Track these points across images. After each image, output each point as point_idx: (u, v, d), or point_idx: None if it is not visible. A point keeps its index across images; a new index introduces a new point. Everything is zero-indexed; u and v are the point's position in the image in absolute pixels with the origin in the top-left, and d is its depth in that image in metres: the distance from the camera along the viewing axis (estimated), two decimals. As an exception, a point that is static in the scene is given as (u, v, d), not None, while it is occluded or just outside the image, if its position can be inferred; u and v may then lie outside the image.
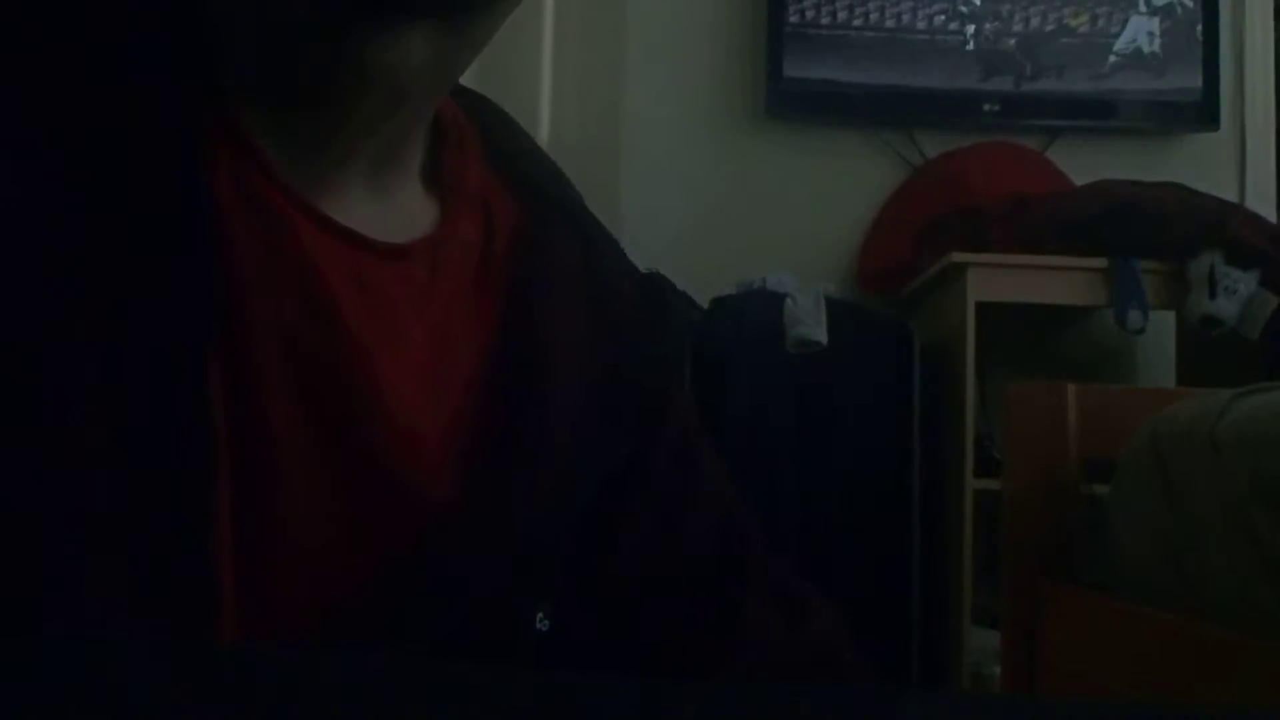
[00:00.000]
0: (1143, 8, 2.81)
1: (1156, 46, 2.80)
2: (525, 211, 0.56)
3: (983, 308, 2.29)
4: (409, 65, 0.46)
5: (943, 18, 2.80)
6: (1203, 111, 2.80)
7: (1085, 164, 2.75)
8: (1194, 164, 2.79)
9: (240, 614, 0.43)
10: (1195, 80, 2.80)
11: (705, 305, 2.44)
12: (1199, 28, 2.81)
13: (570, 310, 0.55)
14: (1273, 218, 2.76)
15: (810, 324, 2.30)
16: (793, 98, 2.78)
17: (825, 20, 2.78)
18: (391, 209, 0.51)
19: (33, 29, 0.42)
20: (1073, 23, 2.82)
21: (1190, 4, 2.81)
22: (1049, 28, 2.81)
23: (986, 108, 2.78)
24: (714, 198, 2.82)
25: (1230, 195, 2.75)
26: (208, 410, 0.41)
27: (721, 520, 0.64)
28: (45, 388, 0.39)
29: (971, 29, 2.80)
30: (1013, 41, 2.80)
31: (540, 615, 0.51)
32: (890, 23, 2.79)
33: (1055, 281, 2.36)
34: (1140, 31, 2.81)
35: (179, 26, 0.44)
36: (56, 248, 0.40)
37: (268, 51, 0.46)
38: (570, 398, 0.53)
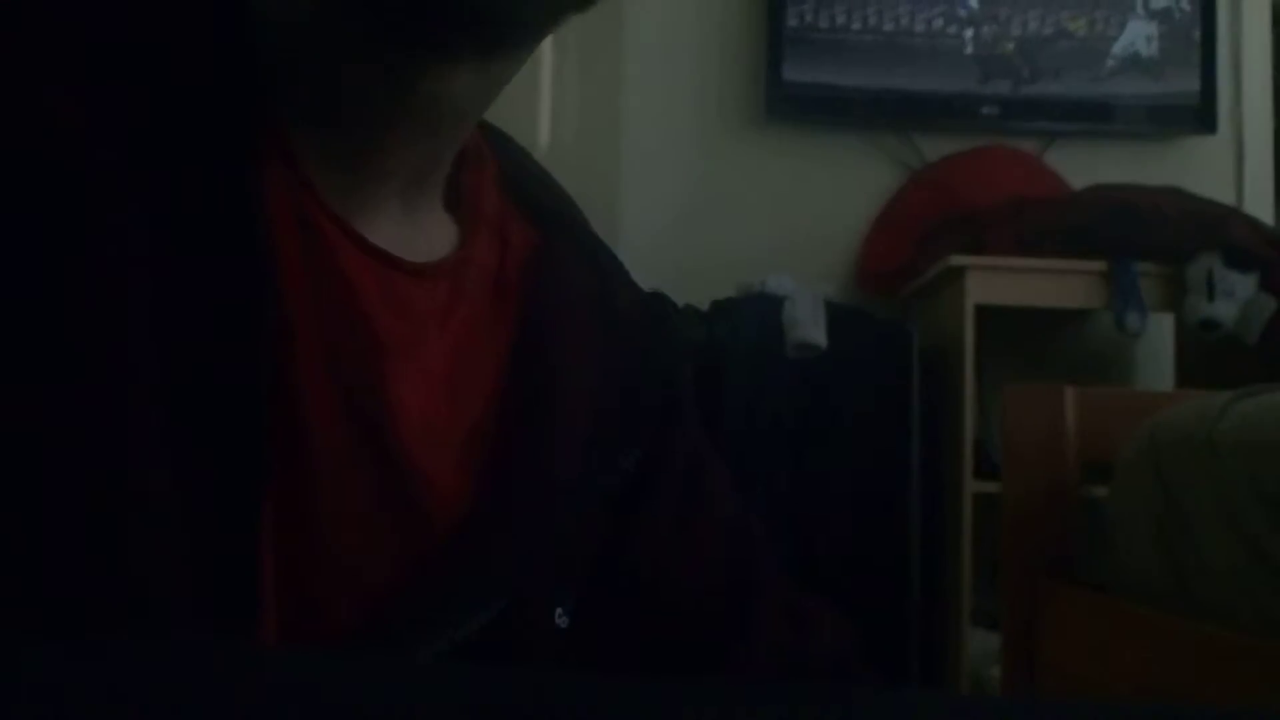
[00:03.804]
0: (1140, 11, 2.82)
1: (1154, 50, 2.81)
2: (538, 236, 0.59)
3: (981, 310, 2.29)
4: (448, 96, 0.49)
5: (941, 21, 2.80)
6: (1200, 115, 2.80)
7: (1083, 167, 2.76)
8: (1191, 167, 2.80)
9: (279, 612, 0.44)
10: (1193, 84, 2.80)
11: (705, 308, 2.45)
12: (1196, 31, 2.81)
13: (581, 331, 0.57)
14: (1270, 221, 2.76)
15: (810, 327, 2.30)
16: (792, 101, 2.78)
17: (824, 24, 2.78)
18: (417, 229, 0.53)
19: (95, 52, 0.43)
20: (1071, 26, 2.82)
21: (1188, 8, 2.82)
22: (1047, 31, 2.82)
23: (985, 111, 2.79)
24: (713, 201, 2.83)
25: (1228, 198, 2.75)
26: (262, 410, 0.43)
27: (733, 536, 0.66)
28: (111, 383, 0.40)
29: (970, 32, 2.80)
30: (1011, 45, 2.81)
31: (559, 611, 0.53)
32: (889, 26, 2.79)
33: (1054, 284, 2.36)
34: (1138, 35, 2.81)
35: (235, 51, 0.46)
36: (125, 254, 0.41)
37: (317, 78, 0.48)
38: (580, 415, 0.55)
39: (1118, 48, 2.81)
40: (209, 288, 0.43)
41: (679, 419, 0.65)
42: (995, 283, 2.32)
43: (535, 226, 0.59)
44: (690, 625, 0.60)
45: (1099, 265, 2.33)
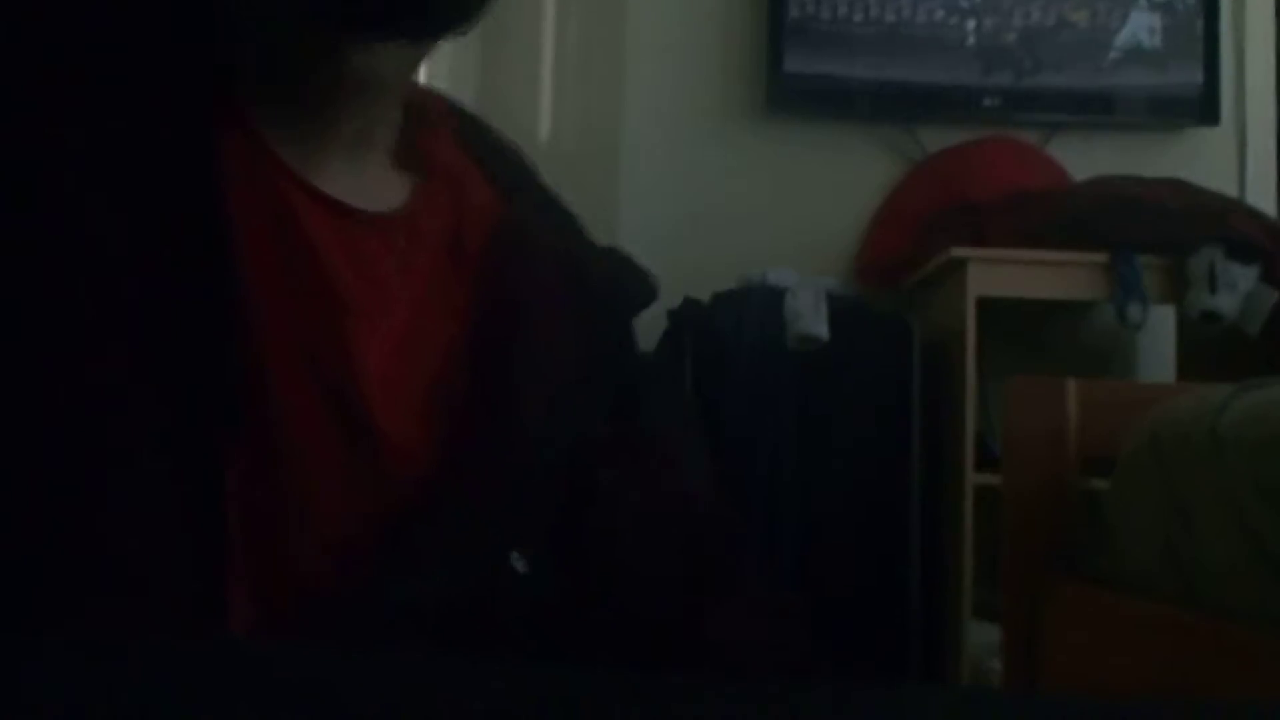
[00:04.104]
0: (1143, 3, 2.81)
1: (1157, 41, 2.80)
2: (500, 197, 0.62)
3: (983, 302, 2.29)
4: (384, 67, 0.54)
5: (943, 12, 2.80)
6: (1203, 106, 2.80)
7: (1085, 159, 2.76)
8: (1194, 159, 2.80)
9: (247, 563, 0.46)
10: (1196, 75, 2.79)
11: (706, 301, 2.44)
12: (1199, 22, 2.80)
13: (547, 292, 0.59)
14: (1273, 213, 2.76)
15: (811, 319, 2.30)
16: (793, 93, 2.78)
17: (826, 15, 2.78)
18: (365, 184, 0.56)
19: (56, 27, 0.46)
20: (1073, 17, 2.82)
21: (1191, -1, 2.81)
22: (1049, 22, 2.81)
23: (987, 102, 2.78)
24: (714, 193, 2.82)
25: (1230, 190, 2.75)
26: (229, 361, 0.45)
27: (697, 520, 0.66)
28: (80, 341, 0.42)
29: (972, 24, 2.80)
30: (1013, 36, 2.80)
31: (515, 555, 0.54)
32: (891, 17, 2.79)
33: (1055, 276, 2.36)
34: (1141, 26, 2.81)
35: (194, 27, 0.49)
36: (90, 217, 0.44)
37: (266, 54, 0.52)
38: (546, 373, 0.57)
39: (1120, 39, 2.81)
40: (172, 248, 0.45)
41: (647, 389, 0.67)
42: (997, 275, 2.31)
43: (496, 187, 0.62)
44: (644, 603, 0.61)
45: (1100, 257, 2.32)
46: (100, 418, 0.42)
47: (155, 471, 0.43)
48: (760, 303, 2.37)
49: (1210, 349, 2.48)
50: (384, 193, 0.56)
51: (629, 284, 0.67)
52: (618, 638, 0.59)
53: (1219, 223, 2.30)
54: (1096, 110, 2.82)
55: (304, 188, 0.52)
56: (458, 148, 0.62)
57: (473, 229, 0.59)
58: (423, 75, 2.22)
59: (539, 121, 3.03)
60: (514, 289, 0.58)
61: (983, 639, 2.18)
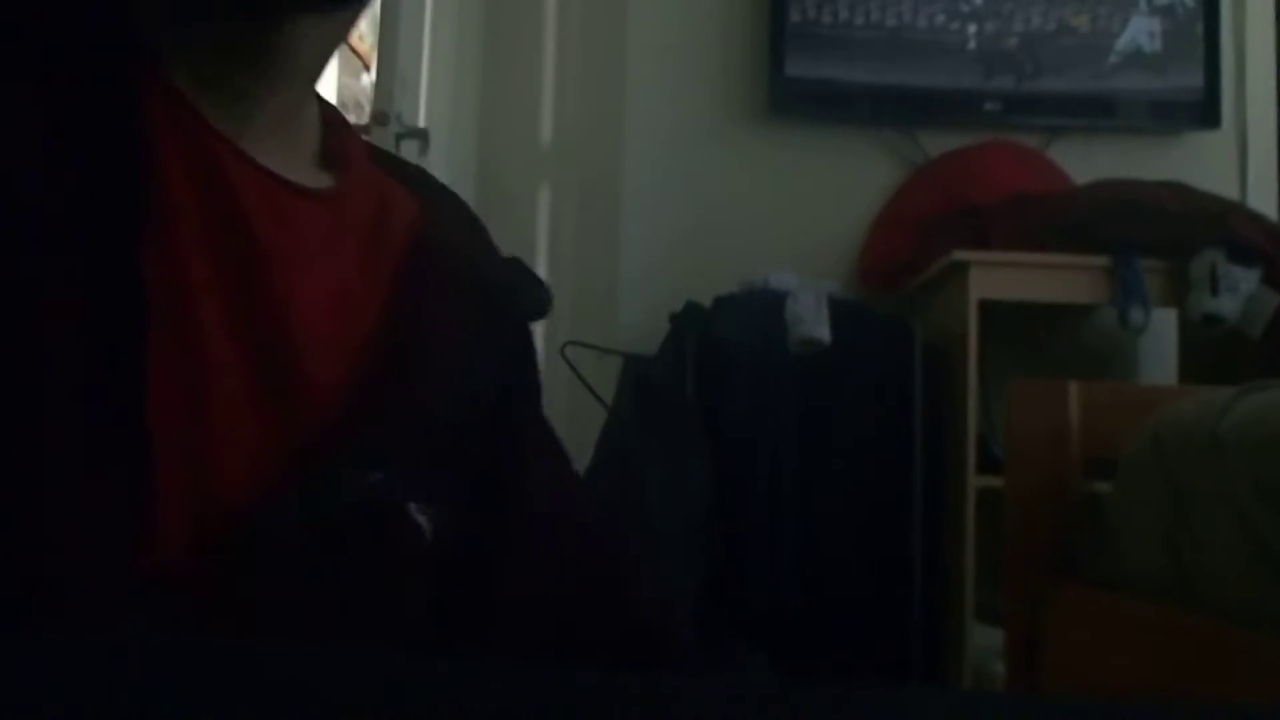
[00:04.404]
0: (1144, 7, 2.81)
1: (1157, 45, 2.81)
2: (419, 202, 0.65)
3: (985, 306, 2.29)
4: (304, 50, 0.57)
5: (944, 17, 2.80)
6: (1204, 110, 2.80)
7: (1086, 163, 2.76)
8: (1195, 162, 2.80)
9: (173, 487, 0.48)
10: (1196, 79, 2.80)
11: (708, 304, 2.45)
12: (1200, 26, 2.81)
13: (457, 293, 0.63)
14: (1274, 215, 2.76)
15: (813, 323, 2.30)
16: (795, 96, 2.78)
17: (827, 19, 2.78)
18: (291, 169, 0.58)
19: None
20: (1074, 22, 2.82)
21: (1191, 3, 2.81)
22: (1050, 27, 2.81)
23: (988, 106, 2.79)
24: (716, 196, 2.83)
25: (1231, 194, 2.75)
26: (141, 290, 0.47)
27: (590, 528, 0.71)
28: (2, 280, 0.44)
29: (973, 28, 2.80)
30: (1014, 40, 2.81)
31: (415, 507, 0.58)
32: (892, 22, 2.79)
33: (1057, 279, 2.36)
34: (1141, 30, 2.81)
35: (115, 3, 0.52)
36: (13, 175, 0.46)
37: (187, 26, 0.54)
38: (451, 353, 0.61)
39: (1121, 43, 2.81)
40: (92, 190, 0.47)
41: (535, 396, 0.71)
42: (998, 278, 2.32)
43: (416, 194, 0.66)
44: (531, 600, 0.64)
45: (1102, 260, 2.33)
46: (19, 361, 0.44)
47: (75, 411, 0.45)
48: (762, 306, 2.37)
49: (1212, 352, 2.48)
50: (309, 180, 0.59)
51: (529, 292, 0.70)
52: (509, 617, 0.62)
53: (1220, 226, 2.30)
54: (1097, 114, 2.82)
55: (234, 150, 0.54)
56: (370, 155, 0.66)
57: (393, 228, 0.62)
58: (424, 77, 2.21)
59: (541, 125, 3.03)
60: (430, 291, 0.61)
61: (984, 642, 2.18)
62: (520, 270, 0.71)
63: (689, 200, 2.83)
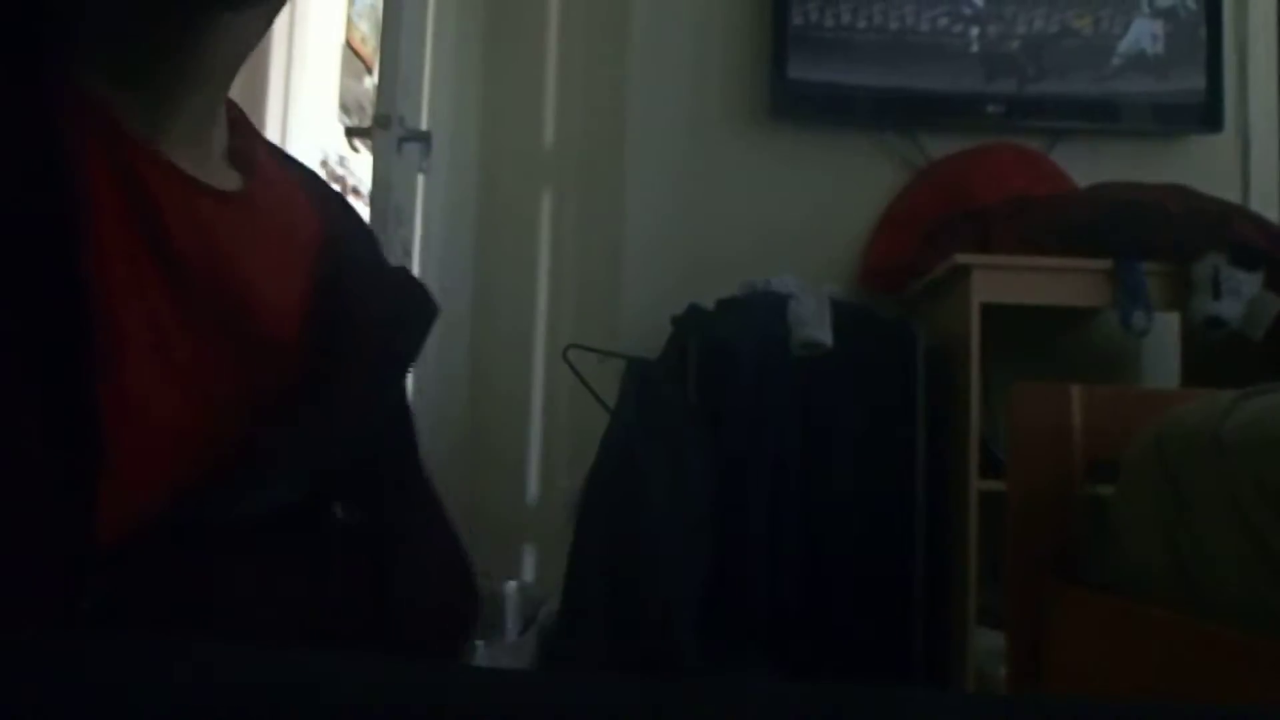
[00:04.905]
0: (1146, 10, 2.82)
1: (1160, 48, 2.81)
2: (322, 207, 0.68)
3: (987, 309, 2.29)
4: (221, 50, 0.58)
5: (946, 20, 2.80)
6: (1206, 113, 2.80)
7: (1088, 166, 2.76)
8: (1197, 165, 2.80)
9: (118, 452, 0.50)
10: (1198, 82, 2.80)
11: (710, 307, 2.45)
12: (1202, 30, 2.81)
13: (368, 290, 0.66)
14: (1276, 218, 2.76)
15: (815, 325, 2.30)
16: (797, 99, 2.79)
17: (829, 22, 2.78)
18: (204, 169, 0.59)
19: None
20: (1076, 25, 2.82)
21: (1193, 6, 2.81)
22: (1053, 30, 2.82)
23: (990, 109, 2.79)
24: (718, 199, 2.83)
25: (1233, 196, 2.75)
26: (84, 287, 0.49)
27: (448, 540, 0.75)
28: None
29: (975, 31, 2.80)
30: (1016, 43, 2.81)
31: (339, 506, 0.61)
32: (894, 25, 2.79)
33: (1059, 283, 2.36)
34: (1144, 33, 2.81)
35: (33, 13, 0.53)
36: None
37: (108, 32, 0.55)
38: (366, 358, 0.64)
39: (1123, 46, 2.81)
40: (19, 190, 0.48)
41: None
42: (1000, 281, 2.31)
43: (319, 201, 0.68)
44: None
45: (1104, 264, 2.33)
46: None
47: (19, 397, 0.47)
48: (764, 309, 2.37)
49: (1214, 355, 2.48)
50: (221, 182, 0.61)
51: (424, 300, 0.72)
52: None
53: (1222, 229, 2.30)
54: (1100, 117, 2.82)
55: (150, 154, 0.55)
56: (280, 165, 0.68)
57: (299, 234, 0.64)
58: (427, 79, 2.20)
59: (544, 128, 3.03)
60: (345, 302, 0.63)
61: (986, 644, 2.18)
62: (410, 281, 0.73)
63: (691, 203, 2.83)
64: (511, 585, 2.53)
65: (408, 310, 0.70)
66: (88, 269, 0.49)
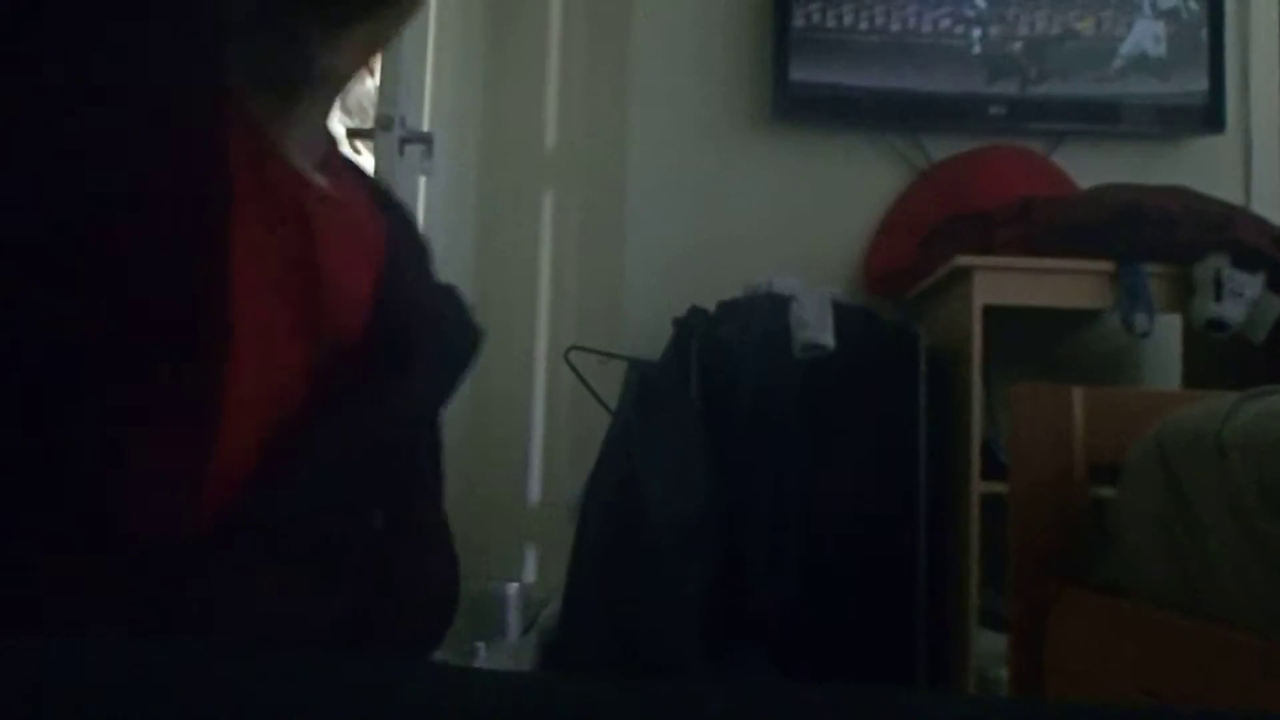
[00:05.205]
0: (1148, 11, 2.82)
1: (1162, 50, 2.81)
2: (386, 217, 0.70)
3: (989, 311, 2.29)
4: (343, 60, 0.62)
5: (949, 21, 2.80)
6: (1208, 115, 2.80)
7: (1091, 167, 2.76)
8: (1199, 167, 2.80)
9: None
10: (1201, 83, 2.80)
11: (712, 309, 2.45)
12: (1204, 31, 2.81)
13: (422, 305, 0.69)
14: (1278, 220, 2.76)
15: (817, 327, 2.30)
16: (799, 101, 2.79)
17: (831, 24, 2.78)
18: (311, 176, 0.63)
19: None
20: (1078, 26, 2.82)
21: (1195, 7, 2.81)
22: (1055, 31, 2.82)
23: (992, 111, 2.79)
24: (720, 201, 2.83)
25: (1235, 198, 2.75)
26: (227, 270, 0.52)
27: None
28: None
29: (977, 32, 2.80)
30: (1018, 45, 2.81)
31: (379, 515, 0.63)
32: (896, 26, 2.79)
33: (1061, 284, 2.36)
34: (1146, 35, 2.81)
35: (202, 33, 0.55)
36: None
37: (248, 52, 0.58)
38: (419, 370, 0.66)
39: (1125, 48, 2.81)
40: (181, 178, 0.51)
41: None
42: (1002, 283, 2.31)
43: (378, 207, 0.71)
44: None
45: (1106, 266, 2.33)
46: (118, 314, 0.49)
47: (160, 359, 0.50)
48: (766, 311, 2.37)
49: (1215, 357, 2.48)
50: (318, 183, 0.63)
51: (471, 324, 0.75)
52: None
53: (1224, 231, 2.30)
54: (1102, 119, 2.82)
55: (278, 155, 0.59)
56: (346, 164, 0.71)
57: (369, 241, 0.67)
58: (429, 81, 2.20)
59: (546, 131, 3.03)
60: (402, 313, 0.65)
61: (988, 647, 2.18)
62: (458, 303, 0.75)
63: (693, 205, 2.83)
64: (513, 586, 2.53)
65: (456, 331, 0.72)
66: (225, 263, 0.52)
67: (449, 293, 0.75)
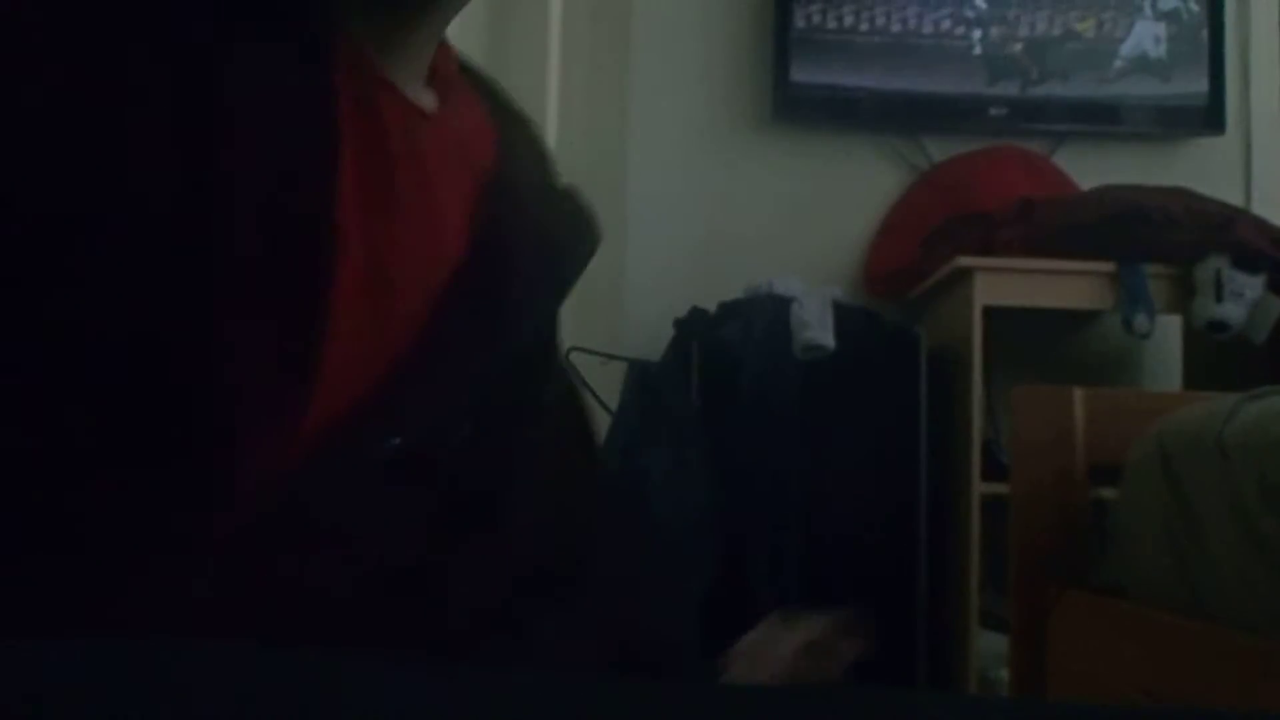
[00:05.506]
0: (1148, 12, 2.82)
1: (1162, 51, 2.81)
2: (498, 126, 0.70)
3: (989, 312, 2.29)
4: None
5: (949, 22, 2.80)
6: (1208, 116, 2.80)
7: (1091, 169, 2.76)
8: (1199, 168, 2.80)
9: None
10: (1201, 85, 2.80)
11: (713, 309, 2.45)
12: (1204, 32, 2.81)
13: (531, 215, 0.67)
14: (1278, 222, 2.76)
15: (818, 328, 2.30)
16: (800, 102, 2.79)
17: (832, 25, 2.78)
18: (416, 95, 0.63)
19: None
20: (1079, 27, 2.82)
21: (1196, 9, 2.81)
22: (1055, 32, 2.82)
23: (993, 112, 2.79)
24: (721, 202, 2.83)
25: (1235, 199, 2.75)
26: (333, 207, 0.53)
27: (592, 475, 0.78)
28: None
29: (978, 33, 2.80)
30: (1019, 46, 2.81)
31: (466, 425, 0.63)
32: (897, 27, 2.79)
33: (1062, 285, 2.36)
34: (1146, 36, 2.81)
35: None
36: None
37: None
38: (526, 283, 0.65)
39: (1126, 49, 2.81)
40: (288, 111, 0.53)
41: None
42: (1003, 284, 2.32)
43: (491, 116, 0.70)
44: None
45: (1107, 266, 2.33)
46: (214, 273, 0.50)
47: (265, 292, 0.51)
48: (767, 311, 2.38)
49: (1216, 358, 2.48)
50: (425, 103, 0.63)
51: (586, 228, 0.74)
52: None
53: (1225, 232, 2.30)
54: (1102, 120, 2.82)
55: (384, 82, 0.59)
56: (462, 74, 0.70)
57: (475, 153, 0.66)
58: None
59: (546, 132, 3.03)
60: (508, 226, 0.65)
61: (989, 648, 2.18)
62: (576, 208, 0.74)
63: (694, 205, 2.83)
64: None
65: (568, 236, 0.71)
66: (331, 199, 0.53)
67: (568, 197, 0.74)
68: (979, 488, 2.23)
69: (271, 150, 0.52)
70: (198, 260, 0.49)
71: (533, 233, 0.67)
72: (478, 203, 0.64)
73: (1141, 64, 2.81)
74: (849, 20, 2.78)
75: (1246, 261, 2.26)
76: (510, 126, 0.71)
